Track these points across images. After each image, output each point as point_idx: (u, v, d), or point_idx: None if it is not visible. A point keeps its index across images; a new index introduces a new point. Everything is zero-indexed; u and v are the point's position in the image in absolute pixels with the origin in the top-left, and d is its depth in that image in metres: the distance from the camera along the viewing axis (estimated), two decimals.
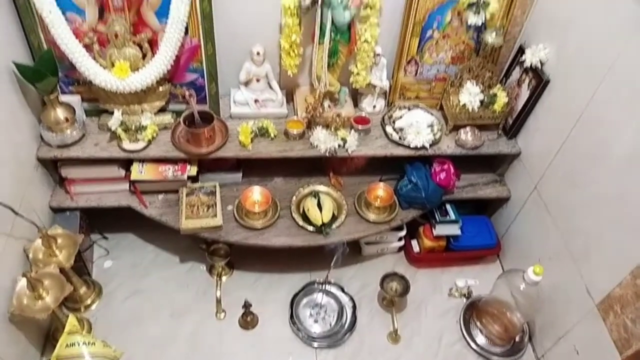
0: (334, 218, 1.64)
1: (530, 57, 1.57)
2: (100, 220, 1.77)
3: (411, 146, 1.64)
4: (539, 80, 1.56)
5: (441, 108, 1.80)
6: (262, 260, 1.77)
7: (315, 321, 1.65)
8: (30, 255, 1.41)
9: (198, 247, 1.72)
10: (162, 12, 1.45)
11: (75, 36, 1.44)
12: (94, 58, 1.49)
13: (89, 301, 1.64)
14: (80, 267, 1.62)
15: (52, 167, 1.61)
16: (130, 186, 1.65)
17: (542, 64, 1.56)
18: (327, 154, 1.62)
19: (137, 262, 1.77)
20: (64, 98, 1.55)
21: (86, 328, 1.56)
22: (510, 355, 1.61)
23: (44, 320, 1.51)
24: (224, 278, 1.74)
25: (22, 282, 1.32)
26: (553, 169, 1.55)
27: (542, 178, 1.61)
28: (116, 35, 1.46)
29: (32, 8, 1.39)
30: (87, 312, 1.62)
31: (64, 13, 1.40)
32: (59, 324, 1.44)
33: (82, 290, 1.62)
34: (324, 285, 1.69)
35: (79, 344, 1.34)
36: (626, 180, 1.23)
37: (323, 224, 1.61)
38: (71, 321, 1.38)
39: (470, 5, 1.53)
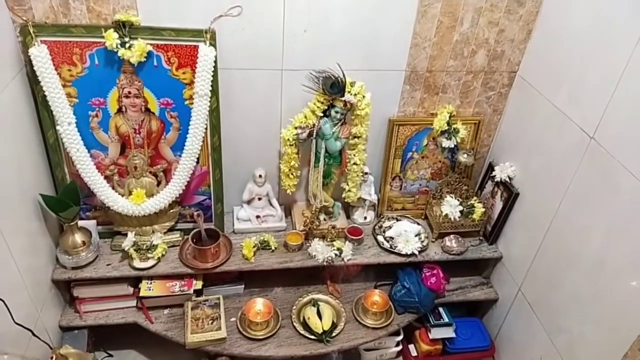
0: (333, 325, 1.72)
1: (499, 173, 1.80)
2: (105, 337, 1.81)
3: (402, 253, 1.79)
4: (510, 193, 1.76)
5: (426, 217, 1.98)
6: None
7: None
8: None
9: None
10: (177, 147, 1.66)
11: (98, 169, 1.62)
12: (113, 187, 1.66)
13: None
14: None
15: (64, 287, 1.70)
16: (137, 302, 1.73)
17: (510, 179, 1.78)
18: (325, 264, 1.75)
19: None
20: (81, 223, 1.69)
21: None
22: None
23: None
24: None
25: None
26: (533, 272, 1.69)
27: (524, 280, 1.75)
28: (135, 168, 1.65)
29: (60, 147, 1.58)
30: None
31: (88, 150, 1.59)
32: None
33: None
34: None
35: None
36: (598, 282, 1.37)
37: (324, 332, 1.68)
38: None
39: (442, 132, 1.78)
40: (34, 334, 1.39)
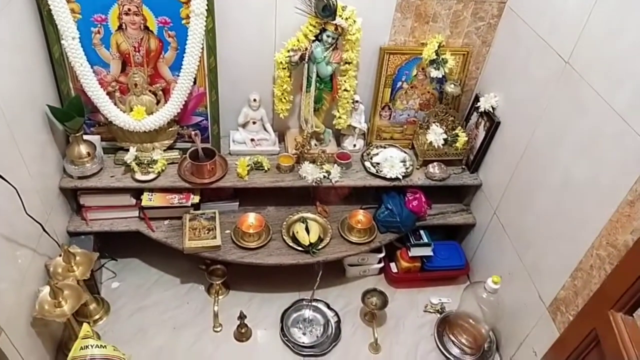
0: (320, 239, 1.86)
1: (483, 104, 1.87)
2: (109, 246, 1.96)
3: (387, 177, 1.90)
4: (492, 122, 1.85)
5: (412, 147, 2.08)
6: (255, 281, 1.96)
7: (304, 334, 1.83)
8: (51, 270, 1.60)
9: (197, 269, 1.92)
10: (175, 67, 1.74)
11: (100, 85, 1.72)
12: (115, 103, 1.76)
13: (97, 316, 1.81)
14: (91, 286, 1.81)
15: (71, 196, 1.84)
16: (139, 213, 1.87)
17: (493, 109, 1.86)
18: (314, 184, 1.87)
19: (142, 284, 1.95)
20: (86, 137, 1.80)
21: (96, 338, 1.72)
22: None
23: (57, 330, 1.69)
24: (220, 297, 1.92)
25: (45, 291, 1.50)
26: (507, 196, 1.81)
27: (499, 204, 1.86)
28: (135, 85, 1.74)
29: (65, 61, 1.67)
30: (95, 327, 1.78)
31: (91, 66, 1.68)
32: (72, 333, 1.62)
33: (92, 306, 1.80)
34: (311, 302, 1.88)
35: (92, 347, 1.51)
36: (561, 201, 1.49)
37: (311, 244, 1.83)
38: (85, 327, 1.56)
39: (431, 62, 1.85)
40: (44, 229, 1.54)
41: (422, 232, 2.01)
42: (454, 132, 1.95)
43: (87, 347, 1.51)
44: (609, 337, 0.99)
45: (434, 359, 1.80)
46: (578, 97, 1.39)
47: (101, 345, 1.53)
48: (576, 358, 1.12)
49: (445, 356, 1.80)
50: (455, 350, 1.82)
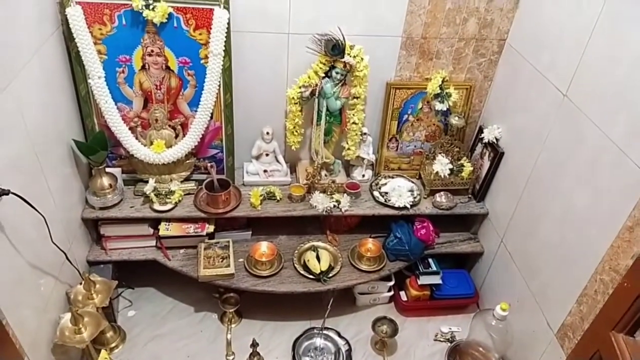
0: (330, 267, 1.91)
1: (487, 135, 1.94)
2: (126, 275, 2.02)
3: (395, 206, 1.96)
4: (496, 153, 1.92)
5: (419, 177, 2.15)
6: (267, 309, 2.00)
7: None
8: (72, 297, 1.66)
9: (211, 298, 1.97)
10: (193, 103, 1.84)
11: (123, 121, 1.82)
12: (137, 138, 1.86)
13: (114, 344, 1.85)
14: (109, 314, 1.86)
15: (92, 226, 1.92)
16: (156, 242, 1.94)
17: (497, 140, 1.93)
18: (325, 213, 1.93)
19: (157, 312, 2.00)
20: (108, 170, 1.89)
21: None
22: None
23: (76, 357, 1.74)
24: (233, 325, 1.96)
25: (66, 317, 1.56)
26: (513, 224, 1.85)
27: (506, 233, 1.91)
28: (156, 120, 1.85)
29: (91, 99, 1.78)
30: (112, 355, 1.82)
31: (115, 103, 1.79)
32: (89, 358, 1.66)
33: (109, 334, 1.84)
34: (322, 330, 1.91)
35: None
36: (564, 228, 1.53)
37: (321, 272, 1.87)
38: (103, 354, 1.61)
39: (436, 96, 1.93)
40: (67, 258, 1.61)
41: (430, 260, 2.05)
42: (459, 162, 2.02)
43: None
44: (611, 358, 1.02)
45: None
46: (577, 128, 1.46)
47: None
48: None
49: None
50: None
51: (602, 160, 1.35)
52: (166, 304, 2.04)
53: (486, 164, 1.99)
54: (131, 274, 2.03)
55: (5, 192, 1.20)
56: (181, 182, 1.97)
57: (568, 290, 1.49)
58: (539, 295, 1.67)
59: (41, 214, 1.39)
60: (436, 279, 2.01)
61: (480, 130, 2.02)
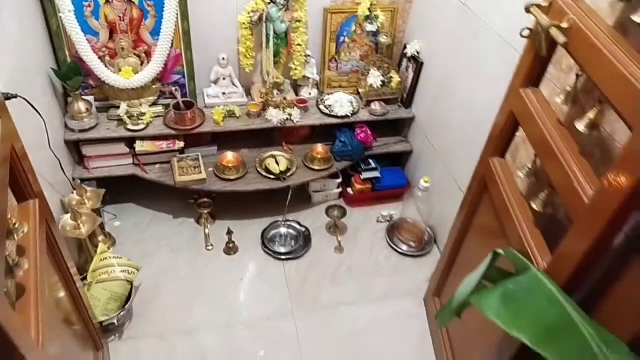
0: (288, 169, 2.27)
1: (410, 50, 2.32)
2: (109, 192, 2.28)
3: (338, 115, 2.32)
4: (417, 64, 2.30)
5: (358, 93, 2.51)
6: (237, 211, 2.35)
7: (282, 245, 2.23)
8: (67, 202, 1.93)
9: (187, 206, 2.29)
10: (155, 32, 2.09)
11: (93, 51, 2.05)
12: (106, 66, 2.10)
13: (106, 247, 2.14)
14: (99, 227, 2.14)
15: (74, 149, 2.16)
16: (134, 160, 2.21)
17: (418, 53, 2.31)
18: (279, 125, 2.27)
19: (140, 222, 2.30)
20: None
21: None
22: (421, 254, 2.25)
23: (74, 258, 2.02)
24: (208, 226, 2.29)
25: (65, 218, 1.84)
26: (434, 123, 2.27)
27: (429, 131, 2.32)
28: (122, 49, 2.09)
29: (62, 32, 1.99)
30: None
31: (84, 35, 2.01)
32: (88, 257, 1.95)
33: (101, 237, 2.13)
34: (285, 220, 2.29)
35: (110, 258, 1.86)
36: (465, 116, 1.95)
37: (281, 172, 2.23)
38: (101, 246, 1.91)
39: (366, 18, 2.27)
40: (61, 166, 1.87)
41: (370, 160, 2.45)
42: (389, 76, 2.39)
43: (105, 258, 1.86)
44: (491, 180, 1.44)
45: (386, 255, 2.25)
46: (473, 29, 1.85)
47: (117, 257, 1.88)
48: (474, 207, 1.57)
49: (396, 252, 2.25)
50: (403, 247, 2.27)
51: (491, 50, 1.75)
52: (147, 215, 2.34)
53: (411, 75, 2.38)
54: (113, 191, 2.29)
55: (13, 96, 1.44)
56: (150, 106, 2.23)
57: (473, 162, 1.92)
58: (455, 173, 2.11)
59: (42, 118, 1.64)
60: (376, 174, 2.42)
61: (405, 47, 2.39)
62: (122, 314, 1.81)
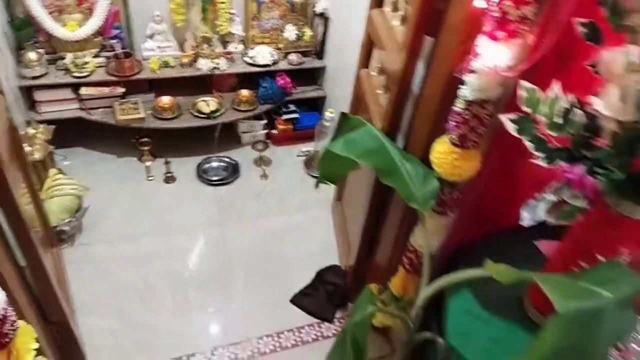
0: (217, 110, 2.65)
1: (318, 7, 2.75)
2: (58, 136, 2.60)
3: (260, 64, 2.73)
4: (325, 20, 2.74)
5: (278, 48, 2.92)
6: (173, 150, 2.71)
7: (214, 175, 2.61)
8: (23, 134, 2.24)
9: (130, 147, 2.63)
10: None
11: (42, 7, 2.37)
12: (54, 21, 2.42)
13: (56, 171, 2.46)
14: (50, 161, 2.45)
15: (26, 95, 2.47)
16: (80, 105, 2.54)
17: (325, 10, 2.74)
18: (209, 72, 2.64)
19: (88, 161, 2.63)
20: None
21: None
22: None
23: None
24: (148, 162, 2.64)
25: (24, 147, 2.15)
26: (339, 69, 2.71)
27: (336, 78, 2.76)
28: (68, 6, 2.41)
29: None
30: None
31: None
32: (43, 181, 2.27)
33: (52, 171, 2.44)
34: (216, 156, 2.67)
35: (60, 178, 2.19)
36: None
37: (211, 112, 2.61)
38: (53, 170, 2.23)
39: None
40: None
41: (290, 105, 2.87)
42: (302, 30, 2.82)
43: (57, 179, 2.19)
44: (359, 84, 1.87)
45: (303, 179, 2.68)
46: None
47: (68, 178, 2.21)
48: (356, 110, 1.99)
49: (311, 176, 2.68)
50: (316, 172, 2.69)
51: None
52: (94, 155, 2.67)
53: (321, 30, 2.81)
54: (62, 137, 2.61)
55: None
56: (93, 57, 2.57)
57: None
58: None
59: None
60: (295, 115, 2.84)
61: (314, 6, 2.82)
62: (73, 221, 2.15)
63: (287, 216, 2.44)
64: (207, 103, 2.68)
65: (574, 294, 0.82)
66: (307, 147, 2.87)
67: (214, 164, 2.68)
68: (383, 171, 1.32)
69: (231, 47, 2.83)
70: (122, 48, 2.61)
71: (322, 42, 2.82)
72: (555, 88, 0.87)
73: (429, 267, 1.30)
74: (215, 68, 2.66)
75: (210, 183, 2.56)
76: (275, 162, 2.77)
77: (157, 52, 2.69)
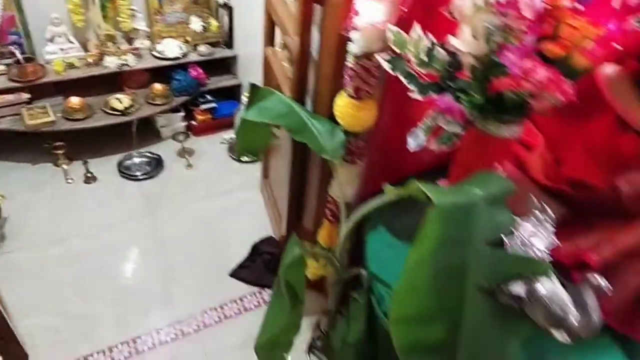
0: (132, 105, 2.65)
1: None
2: None
3: (169, 57, 2.76)
4: (230, 9, 2.82)
5: (186, 41, 2.96)
6: (89, 151, 2.67)
7: (137, 170, 2.62)
8: None
9: (43, 150, 2.56)
10: None
11: None
12: None
13: None
14: None
15: None
16: None
17: (228, 1, 2.83)
18: (117, 69, 2.64)
19: (1, 172, 2.52)
20: None
21: None
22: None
23: None
24: (64, 166, 2.58)
25: None
26: (249, 57, 2.81)
27: (248, 65, 2.86)
28: None
29: None
30: None
31: None
32: None
33: None
34: (137, 152, 2.68)
35: None
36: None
37: (125, 108, 2.61)
38: None
39: None
40: None
41: (207, 95, 2.93)
42: (208, 22, 2.89)
43: None
44: (267, 60, 2.00)
45: (229, 164, 2.76)
46: None
47: None
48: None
49: (236, 160, 2.77)
50: (244, 158, 2.79)
51: None
52: (6, 166, 2.57)
53: (226, 20, 2.89)
54: None
55: None
56: None
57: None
58: None
59: None
60: (212, 105, 2.91)
61: None
62: None
63: (218, 200, 2.52)
64: (120, 100, 2.67)
65: (450, 192, 1.01)
66: (229, 134, 2.95)
67: (136, 160, 2.68)
68: (295, 130, 1.46)
69: (137, 43, 2.83)
70: (22, 53, 2.53)
71: (230, 32, 2.90)
72: (417, 29, 1.05)
73: (346, 214, 1.46)
74: (124, 65, 2.65)
75: (134, 179, 2.57)
76: (198, 152, 2.82)
77: (60, 54, 2.63)
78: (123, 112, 2.61)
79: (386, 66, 1.10)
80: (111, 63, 2.62)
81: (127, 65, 2.66)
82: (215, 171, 2.70)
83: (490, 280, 0.93)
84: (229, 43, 2.95)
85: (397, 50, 1.08)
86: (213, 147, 2.88)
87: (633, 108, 1.15)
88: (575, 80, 1.00)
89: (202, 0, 2.89)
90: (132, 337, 1.83)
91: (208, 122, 2.94)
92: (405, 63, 1.09)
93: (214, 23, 2.89)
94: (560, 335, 0.90)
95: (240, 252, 2.23)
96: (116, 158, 2.68)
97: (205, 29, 2.86)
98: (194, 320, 1.92)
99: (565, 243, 1.11)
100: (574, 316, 0.88)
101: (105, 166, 2.63)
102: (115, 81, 2.76)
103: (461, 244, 0.94)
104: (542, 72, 0.99)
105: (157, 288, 2.05)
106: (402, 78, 1.09)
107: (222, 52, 2.95)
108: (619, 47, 0.94)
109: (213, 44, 2.93)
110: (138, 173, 2.60)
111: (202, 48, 2.87)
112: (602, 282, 0.90)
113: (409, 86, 1.09)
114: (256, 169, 2.73)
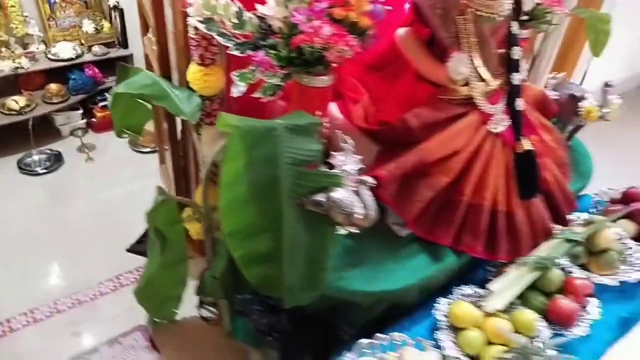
0: (28, 105, 2.76)
1: (111, 1, 3.01)
2: None
3: (64, 59, 2.90)
4: (121, 11, 3.01)
5: (82, 44, 3.10)
6: None
7: (37, 166, 2.73)
8: None
9: None
10: None
11: None
12: None
13: None
14: None
15: None
16: None
17: (117, 2, 3.01)
18: (12, 72, 2.74)
19: None
20: None
21: None
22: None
23: None
24: None
25: None
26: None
27: (142, 62, 3.05)
28: None
29: None
30: None
31: None
32: None
33: None
34: (35, 150, 2.79)
35: None
36: None
37: (21, 107, 2.72)
38: None
39: None
40: None
41: (106, 93, 3.08)
42: (101, 24, 3.06)
43: None
44: (146, 52, 2.22)
45: (131, 156, 2.93)
46: None
47: None
48: None
49: (138, 152, 2.93)
50: (146, 149, 2.96)
51: None
52: None
53: (119, 19, 3.07)
54: None
55: None
56: None
57: None
58: None
59: None
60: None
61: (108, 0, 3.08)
62: None
63: (120, 188, 2.68)
64: (17, 101, 2.78)
65: (254, 121, 1.27)
66: None
67: (36, 157, 2.79)
68: (158, 97, 1.68)
69: (32, 48, 2.95)
70: None
71: (123, 32, 3.08)
72: None
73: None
74: (18, 68, 2.76)
75: (34, 174, 2.67)
76: (99, 147, 2.97)
77: None
78: (19, 112, 2.72)
79: (201, 27, 1.36)
80: (5, 67, 2.73)
81: (21, 67, 2.77)
82: (117, 162, 2.87)
83: (299, 194, 1.13)
84: (123, 43, 3.13)
85: (209, 14, 1.35)
86: (114, 141, 3.02)
87: (423, 62, 1.47)
88: (362, 37, 1.30)
89: (94, 4, 3.05)
90: (29, 309, 1.97)
91: (108, 119, 3.09)
92: (221, 25, 1.35)
93: (106, 25, 3.06)
94: (353, 229, 1.17)
95: (141, 232, 2.41)
96: (16, 157, 2.78)
97: (97, 30, 3.03)
98: (90, 291, 2.10)
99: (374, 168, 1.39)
100: (358, 211, 1.16)
101: (3, 165, 2.72)
102: (11, 83, 2.86)
103: (270, 163, 1.10)
104: (327, 29, 1.29)
105: (56, 266, 2.19)
106: (217, 37, 1.36)
107: (117, 52, 3.12)
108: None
109: (108, 45, 3.10)
110: (38, 169, 2.71)
111: (97, 49, 3.03)
112: (369, 179, 1.19)
113: (226, 44, 1.36)
114: (156, 158, 2.92)
